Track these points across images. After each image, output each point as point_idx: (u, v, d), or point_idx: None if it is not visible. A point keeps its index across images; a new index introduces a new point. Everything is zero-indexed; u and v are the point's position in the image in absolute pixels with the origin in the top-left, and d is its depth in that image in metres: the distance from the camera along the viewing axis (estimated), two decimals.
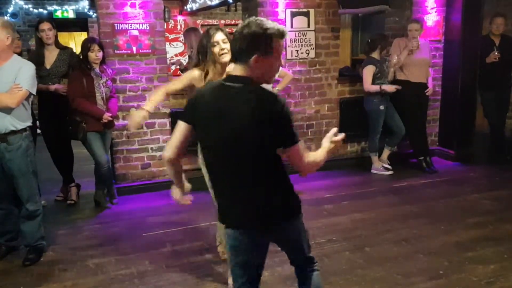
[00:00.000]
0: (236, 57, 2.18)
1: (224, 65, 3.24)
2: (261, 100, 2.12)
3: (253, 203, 2.25)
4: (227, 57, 3.19)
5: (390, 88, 5.93)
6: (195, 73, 3.32)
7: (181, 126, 2.32)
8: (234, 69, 2.20)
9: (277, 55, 2.17)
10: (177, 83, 3.44)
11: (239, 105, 2.12)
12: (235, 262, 2.41)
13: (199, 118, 2.23)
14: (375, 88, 5.91)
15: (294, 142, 2.23)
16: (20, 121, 3.79)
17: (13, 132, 3.75)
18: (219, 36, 3.19)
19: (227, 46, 3.18)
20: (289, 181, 2.40)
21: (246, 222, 2.29)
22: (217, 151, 2.23)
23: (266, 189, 2.26)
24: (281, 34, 2.14)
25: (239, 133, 2.12)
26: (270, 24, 2.12)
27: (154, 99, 3.38)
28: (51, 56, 5.04)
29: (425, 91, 6.22)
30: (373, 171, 6.30)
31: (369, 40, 6.22)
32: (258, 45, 2.10)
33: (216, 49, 3.19)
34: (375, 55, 6.02)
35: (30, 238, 4.02)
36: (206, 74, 3.27)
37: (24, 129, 3.83)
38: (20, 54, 5.00)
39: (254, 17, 2.17)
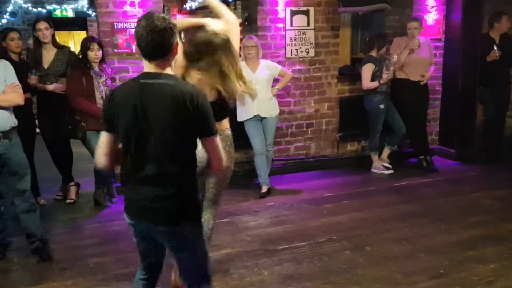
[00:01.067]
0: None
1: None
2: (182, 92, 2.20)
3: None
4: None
5: (385, 76, 5.90)
6: None
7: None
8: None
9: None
10: None
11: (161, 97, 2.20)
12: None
13: None
14: (374, 84, 5.90)
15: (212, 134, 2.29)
16: (14, 117, 3.90)
17: (12, 128, 3.84)
18: None
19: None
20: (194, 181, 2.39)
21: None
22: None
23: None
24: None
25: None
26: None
27: None
28: (48, 55, 5.03)
29: (423, 79, 6.20)
30: (373, 170, 6.29)
31: (367, 39, 6.24)
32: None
33: None
34: (373, 53, 6.01)
35: (38, 230, 4.01)
36: None
37: (16, 125, 3.94)
38: (20, 53, 5.00)
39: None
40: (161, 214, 2.28)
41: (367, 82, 5.94)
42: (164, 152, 2.24)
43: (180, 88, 2.21)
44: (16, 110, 3.98)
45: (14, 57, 4.89)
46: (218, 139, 2.31)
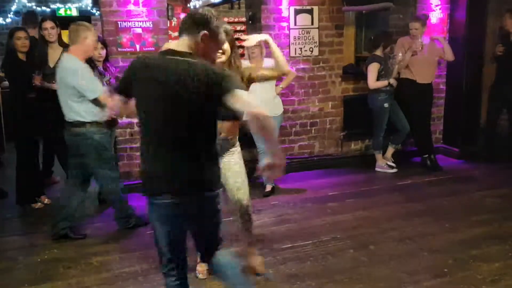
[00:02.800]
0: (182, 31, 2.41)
1: (221, 64, 3.19)
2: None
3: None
4: (221, 59, 3.18)
5: (394, 74, 5.99)
6: None
7: None
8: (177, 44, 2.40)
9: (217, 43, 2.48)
10: None
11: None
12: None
13: None
14: (382, 83, 5.90)
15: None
16: None
17: None
18: None
19: (224, 47, 3.16)
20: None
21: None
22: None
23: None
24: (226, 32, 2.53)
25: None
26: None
27: None
28: (55, 54, 5.02)
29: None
30: (377, 169, 6.28)
31: (372, 38, 6.22)
32: (208, 24, 2.38)
33: None
34: (379, 52, 6.00)
35: None
36: None
37: None
38: (27, 53, 4.99)
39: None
40: None
41: (373, 81, 5.92)
42: None
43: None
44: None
45: (21, 56, 4.89)
46: None
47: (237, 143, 3.46)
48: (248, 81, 3.30)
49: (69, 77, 3.97)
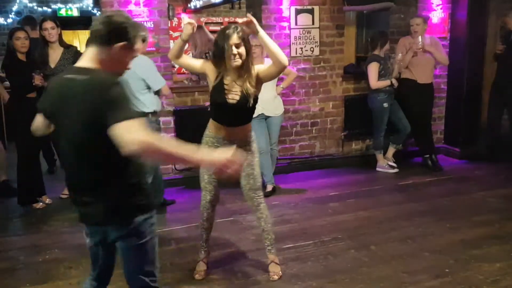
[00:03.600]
0: (95, 41, 2.12)
1: (236, 68, 3.20)
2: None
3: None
4: (237, 62, 3.16)
5: (395, 75, 6.05)
6: (209, 64, 3.34)
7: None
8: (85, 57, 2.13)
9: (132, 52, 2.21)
10: (196, 61, 3.48)
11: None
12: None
13: None
14: (385, 83, 5.89)
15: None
16: None
17: None
18: (232, 40, 3.12)
19: (240, 50, 3.13)
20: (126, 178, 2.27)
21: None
22: None
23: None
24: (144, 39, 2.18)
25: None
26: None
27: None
28: (55, 54, 5.03)
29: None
30: (378, 169, 6.28)
31: (369, 39, 6.24)
32: (126, 34, 2.13)
33: (227, 53, 3.16)
34: (377, 51, 6.00)
35: None
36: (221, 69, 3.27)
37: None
38: (27, 53, 4.99)
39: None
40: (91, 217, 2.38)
41: (375, 81, 5.91)
42: None
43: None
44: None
45: (21, 56, 4.89)
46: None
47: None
48: (256, 83, 3.27)
49: (138, 70, 4.15)
